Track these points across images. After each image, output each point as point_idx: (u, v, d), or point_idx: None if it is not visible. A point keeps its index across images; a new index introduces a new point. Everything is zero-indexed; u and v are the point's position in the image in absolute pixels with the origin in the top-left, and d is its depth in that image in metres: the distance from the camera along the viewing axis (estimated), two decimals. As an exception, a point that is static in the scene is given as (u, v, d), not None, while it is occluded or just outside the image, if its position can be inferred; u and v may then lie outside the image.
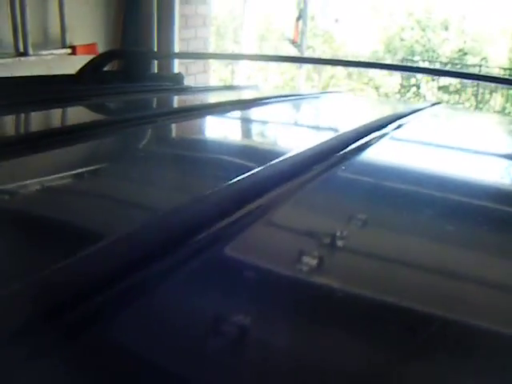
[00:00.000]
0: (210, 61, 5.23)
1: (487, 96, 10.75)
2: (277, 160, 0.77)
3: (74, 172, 0.77)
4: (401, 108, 1.85)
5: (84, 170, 0.79)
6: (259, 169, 0.71)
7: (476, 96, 10.76)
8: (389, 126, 1.16)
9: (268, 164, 0.74)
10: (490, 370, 0.38)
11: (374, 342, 0.41)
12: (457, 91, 11.09)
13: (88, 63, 1.85)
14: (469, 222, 0.68)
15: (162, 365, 0.36)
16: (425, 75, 10.05)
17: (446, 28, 12.06)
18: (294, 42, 9.68)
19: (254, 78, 10.44)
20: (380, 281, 0.49)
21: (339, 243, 0.57)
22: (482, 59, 11.58)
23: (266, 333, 0.40)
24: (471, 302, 0.47)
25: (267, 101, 1.64)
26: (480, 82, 9.55)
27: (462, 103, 10.73)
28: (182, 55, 4.00)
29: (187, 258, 0.48)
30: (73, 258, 0.44)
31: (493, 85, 9.37)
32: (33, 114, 1.20)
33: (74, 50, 3.65)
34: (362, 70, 11.07)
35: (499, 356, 0.39)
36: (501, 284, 0.51)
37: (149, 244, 0.48)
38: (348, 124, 1.23)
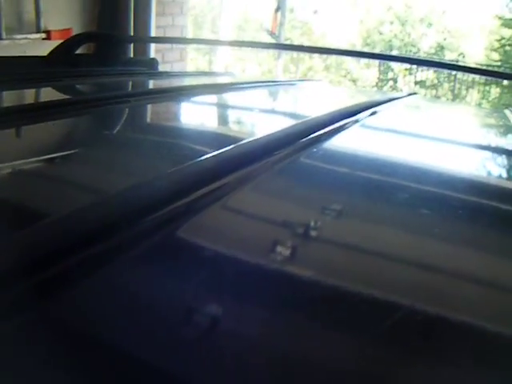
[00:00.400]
0: (187, 49, 5.20)
1: (463, 92, 10.84)
2: (242, 142, 0.75)
3: (37, 148, 0.75)
4: (376, 97, 1.84)
5: (47, 147, 0.77)
6: (224, 149, 0.69)
7: (453, 91, 10.84)
8: (363, 112, 1.15)
9: (233, 146, 0.72)
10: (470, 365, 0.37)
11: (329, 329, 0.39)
12: (433, 86, 11.17)
13: (60, 45, 1.81)
14: (437, 210, 0.66)
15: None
16: (406, 64, 10.12)
17: (426, 23, 12.13)
18: (272, 34, 9.65)
19: (231, 68, 10.43)
20: (340, 269, 0.47)
21: (298, 228, 0.55)
22: (459, 55, 11.68)
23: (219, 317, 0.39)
24: (439, 289, 0.46)
25: (242, 86, 1.62)
26: (459, 75, 9.64)
27: (439, 98, 10.80)
28: (158, 39, 3.97)
29: (141, 237, 0.46)
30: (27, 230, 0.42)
31: (475, 77, 9.46)
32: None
33: (48, 34, 3.60)
34: (340, 62, 11.10)
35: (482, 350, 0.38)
36: (470, 273, 0.50)
37: (102, 222, 0.46)
38: (322, 109, 1.21)
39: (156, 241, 0.47)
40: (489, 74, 2.70)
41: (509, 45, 11.46)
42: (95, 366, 0.32)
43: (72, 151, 0.78)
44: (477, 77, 9.64)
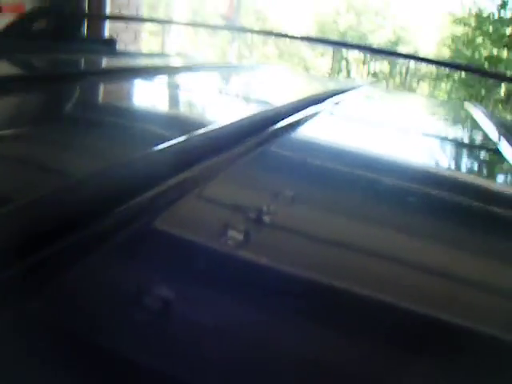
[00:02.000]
0: (141, 30, 5.15)
1: (414, 84, 11.01)
2: (195, 133, 0.70)
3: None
4: (336, 85, 1.84)
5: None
6: (174, 141, 0.64)
7: (404, 83, 10.99)
8: (326, 101, 1.15)
9: (186, 137, 0.67)
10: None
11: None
12: (386, 78, 11.30)
13: (14, 20, 1.78)
14: (394, 200, 0.66)
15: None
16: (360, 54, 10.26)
17: (381, 17, 12.25)
18: (227, 19, 9.60)
19: (184, 50, 10.35)
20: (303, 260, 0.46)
21: (264, 218, 0.53)
22: (414, 51, 11.84)
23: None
24: (392, 280, 0.45)
25: (197, 68, 1.60)
26: (411, 68, 9.81)
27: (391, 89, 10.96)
28: (114, 17, 3.92)
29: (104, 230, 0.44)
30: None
31: (426, 71, 9.61)
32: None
33: (0, 9, 3.55)
34: (295, 50, 11.14)
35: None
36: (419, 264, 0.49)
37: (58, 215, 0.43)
38: (284, 96, 1.20)
39: (126, 233, 0.45)
40: (444, 64, 2.74)
41: (461, 42, 11.65)
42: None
43: (29, 127, 0.74)
44: (428, 71, 9.80)
